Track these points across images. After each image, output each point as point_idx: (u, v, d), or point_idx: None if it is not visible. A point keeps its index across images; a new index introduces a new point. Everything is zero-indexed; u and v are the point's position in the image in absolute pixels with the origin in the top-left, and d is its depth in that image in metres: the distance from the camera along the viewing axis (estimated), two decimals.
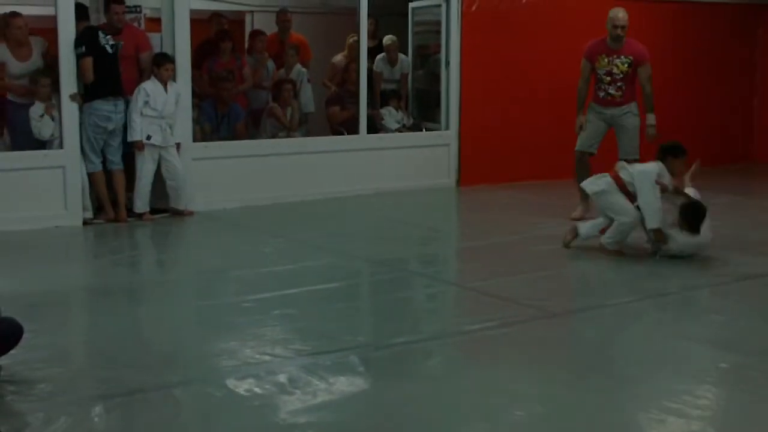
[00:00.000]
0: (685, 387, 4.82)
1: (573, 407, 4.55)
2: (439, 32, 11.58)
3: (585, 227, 7.86)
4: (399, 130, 11.50)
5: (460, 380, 4.92)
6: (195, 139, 9.69)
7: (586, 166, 9.25)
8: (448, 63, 11.37)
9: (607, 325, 5.98)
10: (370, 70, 11.41)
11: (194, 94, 9.83)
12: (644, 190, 7.40)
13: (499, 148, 11.57)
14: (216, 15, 11.50)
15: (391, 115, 11.54)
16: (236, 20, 12.87)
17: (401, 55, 12.11)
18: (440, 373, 5.14)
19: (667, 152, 7.55)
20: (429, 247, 8.53)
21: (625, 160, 9.08)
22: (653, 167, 7.48)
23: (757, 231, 8.28)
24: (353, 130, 10.95)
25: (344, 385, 4.79)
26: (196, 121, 9.86)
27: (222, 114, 10.24)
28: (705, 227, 7.32)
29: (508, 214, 9.71)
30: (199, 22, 10.92)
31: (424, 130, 11.80)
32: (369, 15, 11.03)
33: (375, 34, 12.09)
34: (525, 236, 8.55)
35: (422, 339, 5.59)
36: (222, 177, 9.71)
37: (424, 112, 12.21)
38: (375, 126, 11.31)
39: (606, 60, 9.11)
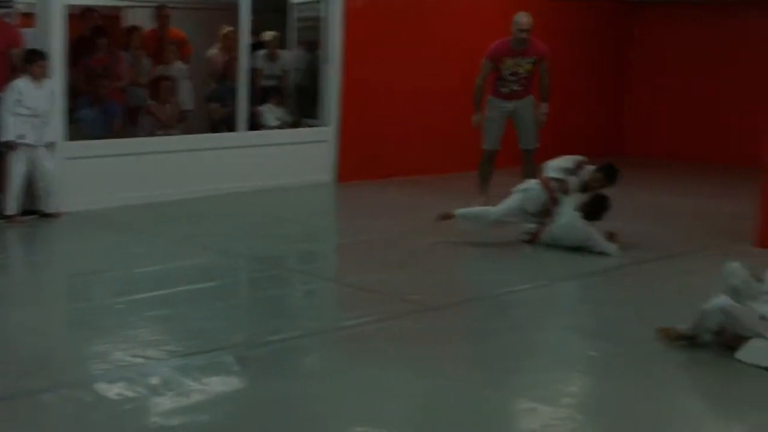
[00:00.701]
0: (556, 375, 4.96)
1: (450, 399, 4.62)
2: (319, 28, 11.55)
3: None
4: (280, 127, 11.45)
5: (338, 376, 4.95)
6: (70, 138, 9.47)
7: (493, 163, 9.72)
8: (328, 59, 11.36)
9: (482, 317, 6.08)
10: (250, 67, 11.31)
11: (69, 91, 9.61)
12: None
13: (378, 144, 11.61)
14: (88, 10, 11.23)
15: (271, 112, 11.48)
16: (113, 15, 12.60)
17: (282, 51, 12.06)
18: (318, 370, 5.15)
19: (601, 169, 7.97)
20: (307, 243, 8.51)
21: (527, 150, 9.65)
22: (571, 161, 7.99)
23: (625, 223, 8.46)
24: (233, 127, 10.85)
25: (218, 385, 4.76)
26: (71, 120, 9.64)
27: (98, 111, 10.03)
28: (607, 244, 7.65)
29: (387, 210, 9.76)
30: (74, 17, 10.69)
31: (304, 126, 11.77)
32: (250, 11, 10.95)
33: (256, 30, 11.99)
34: (403, 231, 8.61)
35: (300, 336, 5.59)
36: (99, 176, 9.49)
37: (306, 108, 12.17)
38: (255, 123, 11.23)
39: (511, 62, 9.41)
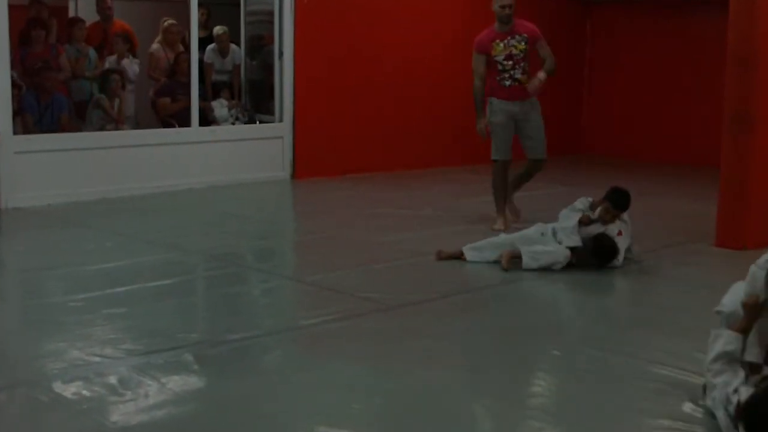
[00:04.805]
0: (519, 375, 4.92)
1: (411, 399, 4.55)
2: (272, 22, 11.46)
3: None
4: (232, 123, 11.34)
5: (297, 375, 4.85)
6: (16, 132, 9.29)
7: (507, 176, 8.66)
8: (281, 54, 11.27)
9: (442, 316, 6.02)
10: (200, 61, 11.20)
11: (14, 84, 9.42)
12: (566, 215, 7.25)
13: (334, 140, 11.57)
14: (36, 2, 10.96)
15: (222, 107, 11.36)
16: (60, 7, 12.35)
17: (233, 46, 11.95)
18: (277, 369, 5.06)
19: (606, 197, 7.20)
20: (264, 241, 8.43)
21: (536, 160, 8.65)
22: (581, 202, 7.26)
23: None
24: (184, 122, 10.71)
25: (178, 384, 4.65)
26: (17, 113, 9.45)
27: (45, 104, 9.83)
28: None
29: (344, 207, 9.72)
30: (21, 8, 10.49)
31: (258, 122, 11.68)
32: (200, 4, 10.83)
33: (206, 24, 11.88)
34: (361, 229, 8.57)
35: (259, 335, 5.49)
36: (47, 171, 9.36)
37: (258, 103, 12.08)
38: (207, 118, 11.11)
39: (501, 45, 8.37)
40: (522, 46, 8.39)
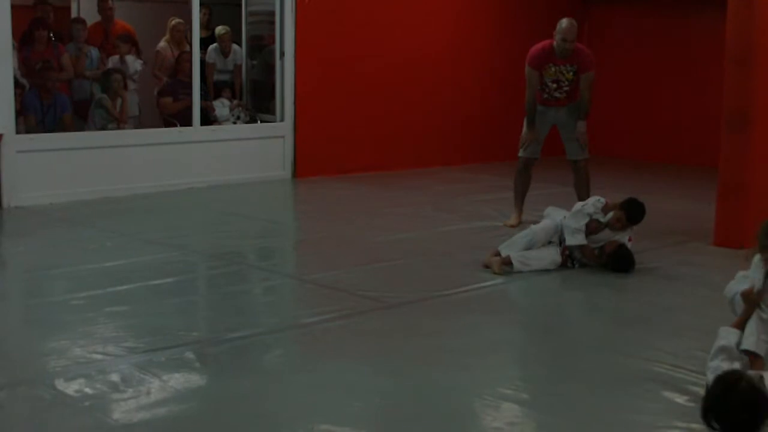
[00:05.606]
0: (516, 373, 4.94)
1: (411, 397, 4.57)
2: (273, 22, 11.48)
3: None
4: (233, 122, 11.36)
5: (298, 374, 4.87)
6: (19, 131, 9.32)
7: (529, 174, 8.88)
8: (282, 54, 11.29)
9: (442, 315, 6.03)
10: (202, 61, 11.22)
11: (17, 84, 9.44)
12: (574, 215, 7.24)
13: (334, 139, 11.58)
14: (40, 2, 11.01)
15: (224, 107, 11.38)
16: (62, 7, 12.39)
17: (234, 46, 11.97)
18: (278, 368, 5.07)
19: (622, 206, 7.19)
20: (266, 239, 8.44)
21: (575, 161, 8.78)
22: (593, 204, 7.25)
23: None
24: (186, 121, 10.73)
25: (179, 382, 4.67)
26: (19, 112, 9.47)
27: (47, 104, 9.85)
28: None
29: (345, 206, 9.72)
30: (26, 8, 10.52)
31: (259, 121, 11.70)
32: (202, 4, 10.85)
33: (208, 24, 11.89)
34: (361, 228, 8.58)
35: (260, 333, 5.51)
36: (49, 170, 9.36)
37: (259, 103, 12.10)
38: (209, 118, 11.12)
39: (554, 69, 8.53)
40: (570, 75, 8.57)
